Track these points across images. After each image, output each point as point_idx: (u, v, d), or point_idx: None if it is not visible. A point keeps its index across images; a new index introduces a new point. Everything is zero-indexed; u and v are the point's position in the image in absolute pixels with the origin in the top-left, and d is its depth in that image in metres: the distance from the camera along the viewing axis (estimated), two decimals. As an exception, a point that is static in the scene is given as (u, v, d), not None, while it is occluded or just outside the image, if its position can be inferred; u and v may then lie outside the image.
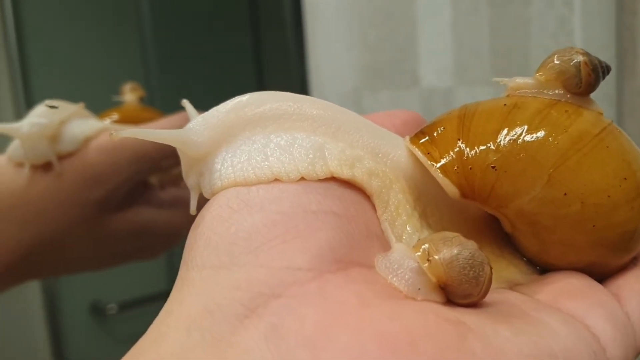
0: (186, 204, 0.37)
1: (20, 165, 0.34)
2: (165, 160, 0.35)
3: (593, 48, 0.57)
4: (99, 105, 1.32)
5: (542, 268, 0.24)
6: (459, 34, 0.63)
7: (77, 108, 0.34)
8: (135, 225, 0.36)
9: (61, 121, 0.34)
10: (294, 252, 0.17)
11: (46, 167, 0.33)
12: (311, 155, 0.20)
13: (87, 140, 0.34)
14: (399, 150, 0.23)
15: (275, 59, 1.31)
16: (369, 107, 0.71)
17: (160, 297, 1.59)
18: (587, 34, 0.57)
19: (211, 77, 1.29)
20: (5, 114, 1.25)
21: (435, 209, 0.23)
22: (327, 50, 0.75)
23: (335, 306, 0.15)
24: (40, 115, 0.34)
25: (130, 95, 0.39)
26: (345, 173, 0.20)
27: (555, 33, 0.58)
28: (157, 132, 0.22)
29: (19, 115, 1.27)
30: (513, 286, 0.23)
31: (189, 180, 0.23)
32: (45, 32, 1.29)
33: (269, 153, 0.21)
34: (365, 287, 0.16)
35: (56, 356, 1.50)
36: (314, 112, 0.22)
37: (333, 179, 0.20)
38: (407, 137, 0.23)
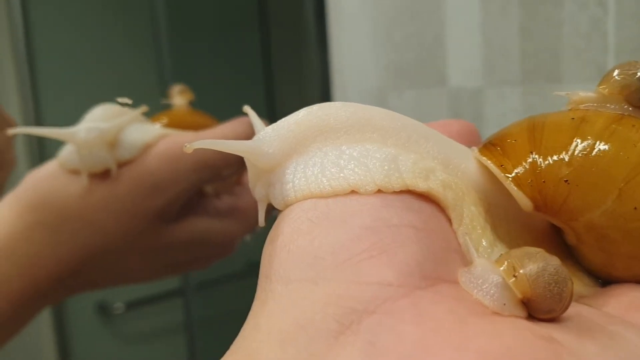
0: (241, 213, 0.37)
1: (74, 172, 0.33)
2: (227, 169, 0.34)
3: (627, 49, 0.57)
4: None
5: (604, 280, 0.25)
6: (488, 34, 0.63)
7: (137, 113, 0.34)
8: (192, 236, 0.35)
9: (121, 126, 0.33)
10: (382, 267, 0.17)
11: (103, 175, 0.32)
12: (386, 167, 0.21)
13: (146, 147, 0.33)
14: (467, 161, 0.23)
15: (285, 58, 1.31)
16: (394, 107, 0.72)
17: (167, 297, 1.60)
18: (621, 35, 0.57)
19: (221, 77, 1.30)
20: (12, 113, 1.25)
21: (504, 220, 0.23)
22: (351, 49, 0.75)
23: (431, 323, 0.16)
24: (97, 119, 0.33)
25: (179, 98, 0.38)
26: (421, 185, 0.21)
27: (588, 34, 0.59)
28: (229, 143, 0.22)
29: (26, 115, 1.27)
30: (578, 299, 0.23)
31: (257, 190, 0.23)
32: (53, 29, 1.29)
33: (342, 164, 0.21)
34: (456, 303, 0.17)
35: (62, 355, 1.51)
36: (384, 123, 0.22)
37: (408, 191, 0.21)
38: (475, 148, 0.24)
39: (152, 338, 1.59)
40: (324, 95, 0.85)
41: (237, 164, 0.34)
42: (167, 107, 0.39)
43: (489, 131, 0.63)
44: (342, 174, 0.21)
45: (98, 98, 1.27)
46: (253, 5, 1.38)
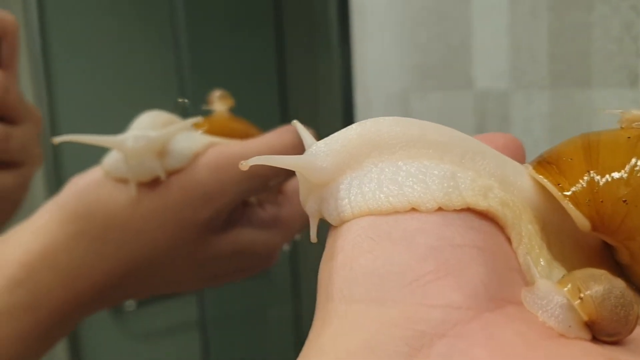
0: (284, 223, 0.37)
1: (121, 181, 0.32)
2: (274, 179, 0.34)
3: (659, 54, 0.57)
4: (131, 105, 1.31)
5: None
6: (516, 36, 0.63)
7: (188, 123, 0.33)
8: (237, 247, 0.35)
9: (171, 135, 0.32)
10: (449, 289, 0.17)
11: (151, 184, 0.32)
12: (445, 184, 0.21)
13: (195, 156, 0.33)
14: (522, 179, 0.23)
15: (301, 59, 1.30)
16: (418, 109, 0.72)
17: (180, 293, 1.60)
18: (653, 39, 0.57)
19: (234, 78, 1.29)
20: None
21: (558, 239, 0.23)
22: (374, 50, 0.75)
23: (503, 347, 0.16)
24: (144, 127, 0.32)
25: (219, 104, 0.38)
26: (481, 204, 0.21)
27: (620, 38, 0.58)
28: (283, 159, 0.22)
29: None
30: None
31: (308, 205, 0.24)
32: (69, 28, 1.29)
33: (401, 181, 0.21)
34: (524, 326, 0.17)
35: (73, 353, 1.52)
36: (440, 139, 0.23)
37: (468, 209, 0.21)
38: (530, 166, 0.24)
39: (165, 336, 1.60)
40: (345, 97, 0.85)
41: (284, 174, 0.34)
42: (207, 113, 0.39)
43: (516, 134, 0.63)
44: (401, 191, 0.21)
45: (114, 97, 1.27)
46: (267, 2, 1.38)
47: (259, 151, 0.33)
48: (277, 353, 1.46)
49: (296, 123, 0.26)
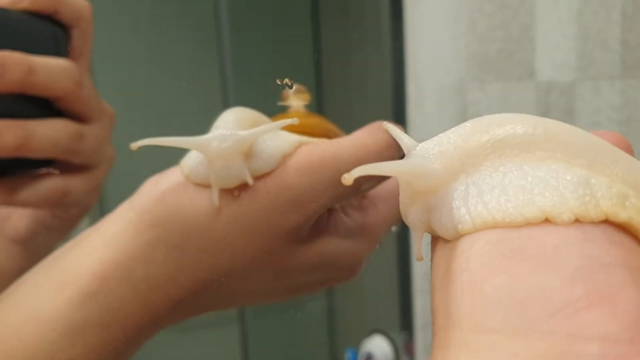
0: (370, 230, 0.35)
1: (202, 185, 0.29)
2: (367, 182, 0.31)
3: None
4: (174, 111, 1.29)
5: None
6: (585, 23, 0.60)
7: (281, 124, 0.29)
8: (322, 257, 0.31)
9: (260, 134, 0.28)
10: (605, 318, 0.15)
11: (236, 190, 0.29)
12: (580, 192, 0.18)
13: (284, 158, 0.29)
14: (656, 183, 0.20)
15: (337, 50, 1.28)
16: (476, 101, 0.69)
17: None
18: None
19: (271, 72, 1.27)
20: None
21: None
22: (428, 39, 0.72)
23: None
24: (230, 126, 0.29)
25: (295, 99, 0.35)
26: (621, 215, 0.18)
27: (700, 24, 0.55)
28: (391, 166, 0.20)
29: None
30: None
31: (410, 215, 0.21)
32: (110, 33, 1.28)
33: (529, 187, 0.19)
34: None
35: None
36: (569, 140, 0.20)
37: (606, 221, 0.18)
38: None
39: (205, 328, 1.60)
40: (396, 89, 0.82)
41: (378, 177, 0.31)
42: (283, 109, 0.35)
43: (581, 128, 0.60)
44: (531, 199, 0.18)
45: (154, 93, 1.26)
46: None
47: (355, 152, 0.30)
48: (312, 345, 1.44)
49: (388, 125, 0.24)
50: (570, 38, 0.61)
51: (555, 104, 0.63)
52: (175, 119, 1.22)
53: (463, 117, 0.71)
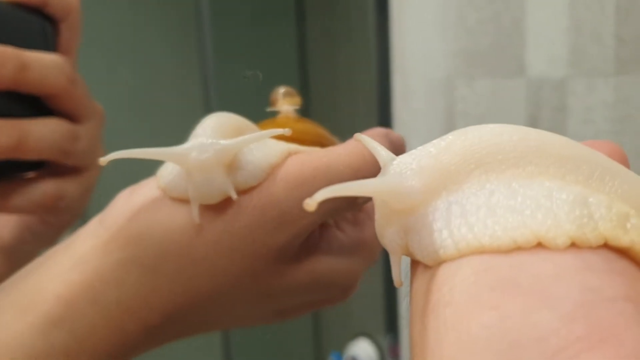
0: (366, 247, 0.32)
1: (181, 201, 0.26)
2: (362, 197, 0.29)
3: None
4: (154, 110, 1.26)
5: None
6: (578, 16, 0.58)
7: (271, 133, 0.26)
8: (314, 277, 0.28)
9: (245, 144, 0.26)
10: None
11: (219, 205, 0.26)
12: (577, 213, 0.16)
13: (272, 169, 0.26)
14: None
15: (322, 45, 1.25)
16: (464, 98, 0.67)
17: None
18: None
19: (255, 70, 1.25)
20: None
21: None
22: (415, 34, 0.70)
23: None
24: (210, 134, 0.26)
25: (284, 103, 0.32)
26: (622, 239, 0.16)
27: (698, 18, 0.53)
28: (360, 186, 0.18)
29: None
30: None
31: (387, 237, 0.19)
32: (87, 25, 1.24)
33: (519, 208, 0.17)
34: None
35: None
36: (562, 152, 0.18)
37: (605, 246, 0.16)
38: None
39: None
40: (381, 85, 0.80)
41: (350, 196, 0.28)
42: (271, 114, 0.33)
43: (573, 126, 0.58)
44: (522, 221, 0.16)
45: (135, 102, 1.23)
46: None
47: (350, 162, 0.27)
48: (296, 349, 1.43)
49: (361, 136, 0.22)
50: (562, 32, 0.59)
51: (547, 100, 0.62)
52: (154, 121, 1.19)
53: (451, 114, 0.69)
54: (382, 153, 0.20)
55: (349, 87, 1.13)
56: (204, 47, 1.16)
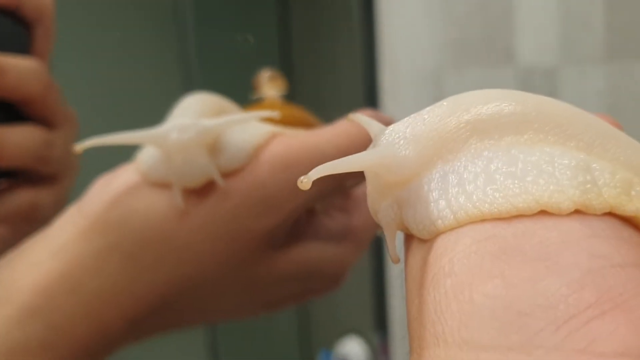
0: (356, 234, 0.31)
1: (162, 185, 0.25)
2: (351, 179, 0.27)
3: None
4: (133, 95, 1.25)
5: None
6: (567, 4, 0.58)
7: (258, 115, 0.25)
8: (302, 265, 0.28)
9: (229, 125, 0.24)
10: (620, 329, 0.13)
11: (202, 189, 0.25)
12: (581, 179, 0.16)
13: (256, 151, 0.25)
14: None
15: (307, 37, 1.24)
16: (453, 88, 0.67)
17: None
18: None
19: (239, 61, 1.24)
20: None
21: None
22: (403, 24, 0.70)
23: None
24: (191, 114, 0.25)
25: (269, 88, 0.31)
26: (627, 207, 0.16)
27: (688, 4, 0.53)
28: (355, 160, 0.17)
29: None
30: None
31: (380, 211, 0.18)
32: (66, 18, 1.22)
33: (519, 174, 0.16)
34: None
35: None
36: (563, 119, 0.17)
37: (610, 213, 0.16)
38: None
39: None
40: (368, 77, 0.79)
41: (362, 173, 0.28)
42: (255, 100, 0.32)
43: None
44: (523, 187, 0.16)
45: (115, 91, 1.21)
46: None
47: (337, 143, 0.27)
48: (285, 346, 1.42)
49: (356, 117, 0.21)
50: (551, 20, 0.59)
51: (537, 89, 0.61)
52: (134, 112, 1.18)
53: (440, 105, 0.68)
54: (373, 126, 0.20)
55: (336, 79, 1.12)
56: (185, 38, 1.15)
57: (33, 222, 0.35)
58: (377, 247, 0.82)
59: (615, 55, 0.56)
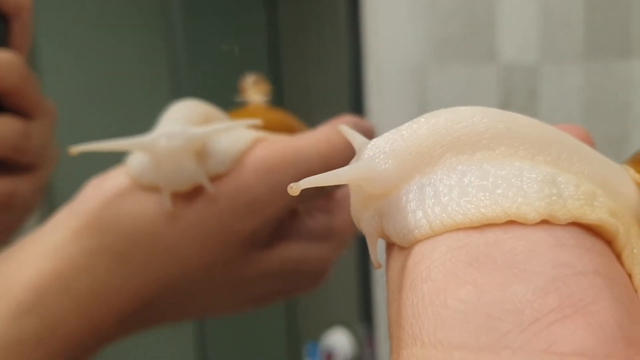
0: (337, 234, 0.33)
1: (151, 190, 0.27)
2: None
3: None
4: (123, 99, 1.24)
5: None
6: (548, 3, 0.59)
7: (244, 123, 0.26)
8: (284, 264, 0.29)
9: (217, 133, 0.26)
10: (580, 332, 0.14)
11: (190, 193, 0.26)
12: (546, 191, 0.17)
13: (241, 156, 0.27)
14: (625, 183, 0.19)
15: (293, 34, 1.25)
16: (436, 84, 0.68)
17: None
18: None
19: (226, 60, 1.24)
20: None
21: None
22: (387, 21, 0.71)
23: None
24: (179, 121, 0.26)
25: (254, 93, 0.32)
26: (589, 216, 0.17)
27: (664, 3, 0.55)
28: (339, 174, 0.18)
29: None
30: None
31: (365, 222, 0.20)
32: (57, 17, 1.22)
33: (490, 187, 0.17)
34: None
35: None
36: (531, 135, 0.19)
37: (574, 223, 0.17)
38: (628, 167, 0.20)
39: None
40: (353, 72, 0.80)
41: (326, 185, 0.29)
42: (239, 104, 0.33)
43: (544, 112, 0.60)
44: (493, 199, 0.17)
45: (104, 94, 1.21)
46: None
47: (319, 149, 0.28)
48: (271, 339, 1.44)
49: (341, 127, 0.22)
50: (533, 19, 0.61)
51: (518, 86, 0.63)
52: (122, 113, 1.18)
53: (423, 100, 0.70)
54: (356, 139, 0.21)
55: (321, 75, 1.13)
56: (174, 38, 1.15)
57: (10, 211, 0.36)
58: (363, 241, 0.83)
59: (594, 54, 0.57)
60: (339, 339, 1.00)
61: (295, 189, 0.17)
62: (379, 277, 0.80)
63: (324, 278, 0.32)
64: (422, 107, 0.69)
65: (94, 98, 1.15)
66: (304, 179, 0.18)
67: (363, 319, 0.93)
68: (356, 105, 0.81)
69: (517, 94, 0.63)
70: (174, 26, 1.15)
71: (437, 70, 0.68)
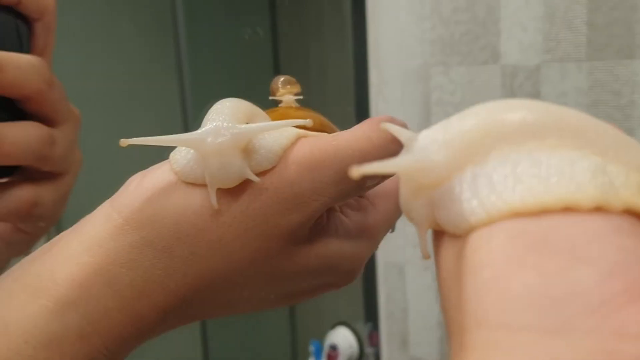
0: (370, 232, 0.33)
1: (196, 185, 0.27)
2: (371, 179, 0.29)
3: None
4: (130, 100, 1.24)
5: None
6: (551, 3, 0.60)
7: (292, 122, 0.27)
8: (322, 261, 0.29)
9: (264, 130, 0.26)
10: None
11: (235, 189, 0.26)
12: (599, 180, 0.18)
13: (284, 153, 0.27)
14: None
15: (296, 36, 1.25)
16: (440, 86, 0.68)
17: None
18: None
19: (228, 64, 1.24)
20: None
21: None
22: (390, 22, 0.71)
23: None
24: (226, 118, 0.26)
25: (285, 92, 0.32)
26: None
27: (666, 5, 0.55)
28: (395, 163, 0.19)
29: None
30: None
31: (414, 211, 0.20)
32: (64, 21, 1.21)
33: (544, 176, 0.18)
34: None
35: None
36: (579, 127, 0.19)
37: (627, 211, 0.18)
38: None
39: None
40: (357, 75, 0.81)
41: (382, 174, 0.29)
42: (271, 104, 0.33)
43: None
44: (548, 187, 0.17)
45: (111, 96, 1.21)
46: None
47: (359, 146, 0.28)
48: (275, 337, 1.44)
49: (385, 124, 0.23)
50: (535, 20, 0.61)
51: (521, 87, 0.63)
52: (130, 112, 1.18)
53: (427, 102, 0.70)
54: (404, 133, 0.21)
55: (325, 77, 1.13)
56: (178, 44, 1.15)
57: (32, 219, 0.35)
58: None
59: (597, 54, 0.58)
60: (343, 338, 1.01)
61: (356, 172, 0.18)
62: (382, 276, 0.80)
63: (356, 275, 0.32)
64: (426, 108, 0.69)
65: (100, 94, 1.15)
66: (365, 164, 0.18)
67: (366, 318, 0.93)
68: (361, 106, 0.82)
69: (521, 95, 0.64)
70: (178, 35, 1.15)
71: (440, 72, 0.68)
